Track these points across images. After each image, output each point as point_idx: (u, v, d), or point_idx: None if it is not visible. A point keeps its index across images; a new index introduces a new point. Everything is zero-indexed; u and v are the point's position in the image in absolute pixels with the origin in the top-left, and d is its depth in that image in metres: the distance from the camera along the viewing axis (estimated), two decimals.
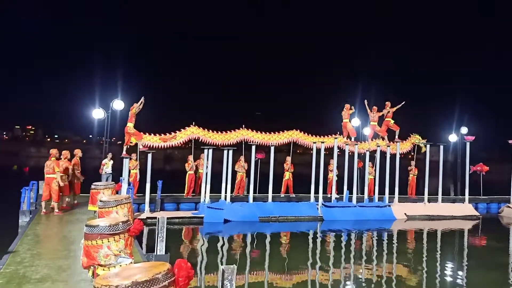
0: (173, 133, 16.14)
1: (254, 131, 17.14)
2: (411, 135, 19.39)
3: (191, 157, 16.72)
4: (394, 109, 18.44)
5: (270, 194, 15.98)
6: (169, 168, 38.67)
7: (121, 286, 2.30)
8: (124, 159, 14.41)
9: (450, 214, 17.45)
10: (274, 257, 10.57)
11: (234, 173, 16.51)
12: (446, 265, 10.49)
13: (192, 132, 16.29)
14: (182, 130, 16.32)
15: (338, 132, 18.10)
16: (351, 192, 16.94)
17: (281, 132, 17.62)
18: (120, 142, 25.12)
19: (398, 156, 18.01)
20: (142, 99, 14.73)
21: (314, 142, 17.30)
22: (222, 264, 9.26)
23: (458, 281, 9.06)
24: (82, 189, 13.54)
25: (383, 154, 18.06)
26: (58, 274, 6.17)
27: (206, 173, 15.38)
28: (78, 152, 13.56)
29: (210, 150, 15.54)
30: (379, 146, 17.97)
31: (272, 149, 16.37)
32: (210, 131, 16.53)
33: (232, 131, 16.86)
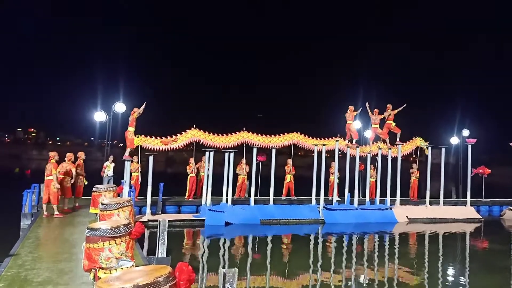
0: (174, 136, 16.16)
1: (255, 133, 17.15)
2: (414, 138, 19.36)
3: (192, 160, 16.73)
4: (396, 111, 18.44)
5: (271, 197, 15.97)
6: (170, 171, 38.69)
7: None
8: (126, 162, 14.42)
9: (452, 217, 17.40)
10: (275, 260, 10.55)
11: (235, 175, 16.51)
12: (448, 268, 10.46)
13: (193, 135, 16.29)
14: (183, 133, 16.34)
15: (339, 135, 18.10)
16: (352, 195, 16.91)
17: (281, 134, 17.62)
18: (121, 144, 25.19)
19: (399, 159, 17.98)
20: (143, 105, 14.76)
21: (316, 145, 17.29)
22: (223, 267, 9.26)
23: (460, 284, 9.03)
24: (83, 192, 13.56)
25: (384, 156, 18.04)
26: (59, 277, 6.17)
27: (208, 176, 15.38)
28: (81, 155, 13.60)
29: (211, 153, 15.55)
30: (380, 148, 17.95)
31: (273, 151, 16.36)
32: (211, 133, 16.54)
33: (233, 133, 16.86)
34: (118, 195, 10.82)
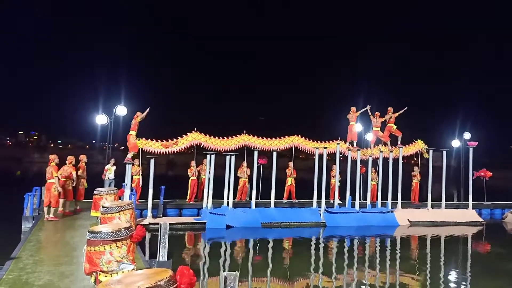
0: (174, 139, 16.17)
1: (256, 136, 17.15)
2: (415, 141, 19.34)
3: (193, 163, 16.73)
4: (397, 114, 18.45)
5: (272, 200, 15.95)
6: (171, 174, 38.71)
7: None
8: (127, 165, 14.43)
9: (453, 220, 17.36)
10: (276, 264, 10.53)
11: (236, 178, 16.49)
12: (449, 271, 10.43)
13: (194, 138, 16.31)
14: (184, 136, 16.35)
15: (340, 138, 18.11)
16: (354, 198, 16.89)
17: (282, 137, 17.62)
18: (123, 147, 25.19)
19: (400, 162, 17.96)
20: (147, 110, 14.82)
21: (317, 148, 17.28)
22: (224, 271, 9.25)
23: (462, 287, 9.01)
24: (85, 195, 13.58)
25: (385, 159, 18.03)
26: (60, 280, 6.17)
27: (209, 179, 15.38)
28: (83, 158, 13.63)
29: (213, 156, 15.55)
30: (381, 151, 17.93)
31: (275, 154, 16.36)
32: (212, 136, 16.55)
33: (234, 136, 16.87)
34: (119, 198, 10.81)
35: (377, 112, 18.36)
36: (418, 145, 19.21)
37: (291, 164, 17.90)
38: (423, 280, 9.53)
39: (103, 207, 5.94)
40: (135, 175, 15.72)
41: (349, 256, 11.71)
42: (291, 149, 17.88)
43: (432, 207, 17.80)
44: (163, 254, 8.02)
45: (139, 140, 15.46)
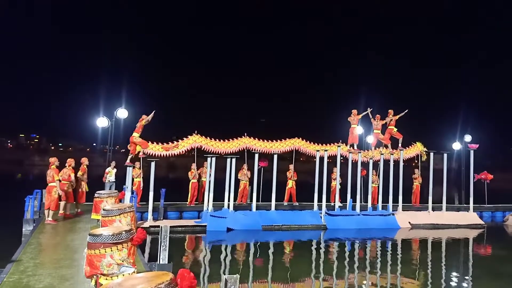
0: (175, 142, 16.19)
1: (257, 139, 17.16)
2: (414, 144, 19.35)
3: (194, 165, 16.74)
4: (397, 117, 18.49)
5: (273, 203, 15.94)
6: (172, 177, 38.70)
7: None
8: (128, 168, 14.44)
9: (454, 223, 17.33)
10: (277, 266, 10.52)
11: (237, 181, 16.49)
12: (451, 274, 10.40)
13: (194, 140, 16.31)
14: (185, 138, 16.36)
15: (341, 140, 18.12)
16: (354, 201, 16.88)
17: (283, 140, 17.63)
18: (123, 150, 25.19)
19: (401, 164, 17.95)
20: (152, 113, 14.90)
21: (317, 150, 17.28)
22: (225, 274, 9.24)
23: None
24: (85, 197, 13.60)
25: (386, 162, 18.02)
26: (61, 283, 6.17)
27: (209, 182, 15.37)
28: (85, 161, 13.67)
29: (213, 159, 15.55)
30: (382, 154, 17.93)
31: (275, 157, 16.36)
32: (213, 139, 16.56)
33: (234, 139, 16.88)
34: (120, 201, 10.81)
35: (377, 115, 18.40)
36: (417, 148, 19.21)
37: (291, 166, 17.90)
38: (424, 283, 9.52)
39: (103, 210, 5.94)
40: (136, 177, 15.72)
41: (350, 259, 11.68)
42: (292, 152, 17.88)
43: (433, 209, 17.77)
44: (163, 257, 8.01)
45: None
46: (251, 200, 16.07)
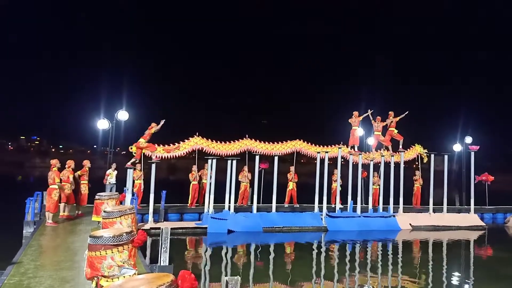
0: (176, 144, 16.20)
1: (258, 141, 17.17)
2: (413, 146, 19.36)
3: (195, 167, 16.74)
4: (398, 118, 18.50)
5: (274, 204, 15.93)
6: (173, 178, 38.71)
7: None
8: (128, 170, 14.44)
9: (455, 225, 17.31)
10: (278, 268, 10.51)
11: (237, 183, 16.49)
12: (452, 276, 10.39)
13: (195, 142, 16.34)
14: (186, 140, 16.38)
15: (342, 142, 18.12)
16: (355, 202, 16.86)
17: (284, 142, 17.64)
18: (124, 152, 25.20)
19: (402, 166, 17.93)
20: (162, 122, 15.18)
21: (318, 152, 17.28)
22: (226, 275, 9.22)
23: None
24: (87, 200, 13.63)
25: (387, 164, 18.01)
26: (61, 285, 6.16)
27: (210, 183, 15.37)
28: (87, 163, 13.71)
29: (214, 160, 15.55)
30: (383, 156, 17.92)
31: (276, 159, 16.35)
32: (214, 141, 16.58)
33: (236, 141, 16.89)
34: (121, 203, 10.79)
35: (378, 117, 18.42)
36: (416, 150, 19.22)
37: (292, 168, 17.90)
38: (425, 285, 9.50)
39: (104, 211, 5.93)
40: (137, 179, 15.73)
41: (350, 260, 11.67)
42: (293, 154, 17.89)
43: (434, 211, 17.74)
44: (164, 258, 8.01)
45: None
46: (252, 202, 16.06)
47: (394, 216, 16.83)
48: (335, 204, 17.07)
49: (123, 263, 3.86)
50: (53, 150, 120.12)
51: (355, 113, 18.11)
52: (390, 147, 18.50)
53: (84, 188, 13.55)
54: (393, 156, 18.00)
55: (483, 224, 17.96)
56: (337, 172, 17.68)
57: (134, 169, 15.13)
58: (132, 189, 14.72)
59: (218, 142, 16.64)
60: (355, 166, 17.56)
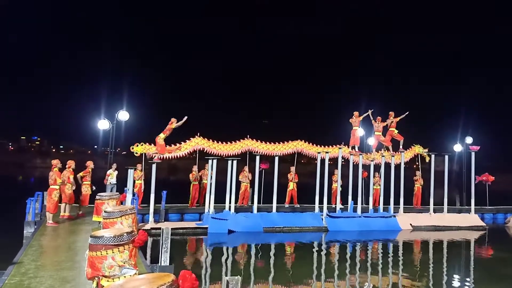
0: (178, 144, 16.22)
1: (259, 141, 17.18)
2: (413, 146, 19.37)
3: (195, 168, 16.75)
4: (398, 119, 18.52)
5: (274, 205, 15.93)
6: (173, 179, 38.73)
7: None
8: (129, 170, 14.46)
9: (456, 225, 17.31)
10: (278, 268, 10.51)
11: (238, 183, 16.51)
12: (452, 276, 10.39)
13: (196, 143, 16.37)
14: (187, 141, 16.41)
15: (343, 142, 18.13)
16: (356, 203, 16.86)
17: (285, 142, 17.65)
18: (124, 152, 25.21)
19: (402, 166, 17.93)
20: (184, 119, 15.72)
21: (319, 152, 17.29)
22: (226, 275, 9.23)
23: None
24: (88, 200, 13.67)
25: (387, 164, 18.01)
26: (62, 285, 6.17)
27: (210, 184, 15.38)
28: (90, 164, 13.79)
29: (215, 161, 15.56)
30: (383, 156, 17.93)
31: (277, 159, 16.36)
32: (215, 141, 16.60)
33: (237, 141, 16.91)
34: (121, 203, 10.81)
35: (378, 117, 18.43)
36: (415, 150, 19.22)
37: (293, 168, 17.90)
38: (426, 286, 9.50)
39: (105, 211, 5.94)
40: (137, 180, 15.74)
41: (351, 261, 11.67)
42: (293, 154, 17.90)
43: (435, 211, 17.74)
44: (165, 258, 8.02)
45: (142, 145, 15.61)
46: (252, 202, 16.07)
47: (394, 216, 16.83)
48: (335, 204, 17.07)
49: (124, 263, 3.87)
50: (54, 150, 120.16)
51: (356, 113, 18.15)
52: (390, 147, 18.50)
53: (86, 189, 13.60)
54: (393, 156, 17.99)
55: (484, 224, 17.96)
56: (338, 173, 17.68)
57: (135, 169, 15.15)
58: (133, 189, 14.73)
59: (219, 142, 16.66)
60: (356, 166, 17.57)
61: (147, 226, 13.72)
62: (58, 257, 8.00)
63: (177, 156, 16.39)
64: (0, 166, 67.24)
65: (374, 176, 18.00)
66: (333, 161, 18.32)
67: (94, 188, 13.67)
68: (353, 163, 17.45)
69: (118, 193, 11.05)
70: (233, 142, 16.86)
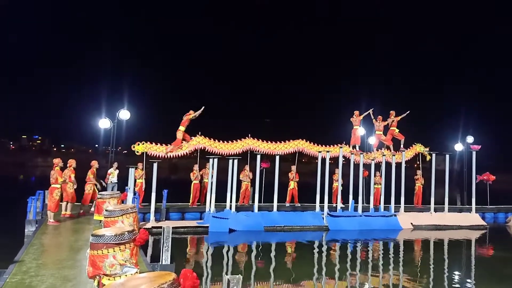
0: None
1: (260, 140, 17.19)
2: (414, 145, 19.36)
3: (196, 167, 16.76)
4: (399, 118, 18.51)
5: (275, 204, 15.94)
6: (174, 178, 38.74)
7: None
8: (130, 169, 14.47)
9: (456, 224, 17.30)
10: (279, 267, 10.52)
11: (239, 182, 16.51)
12: (453, 276, 10.39)
13: (198, 142, 16.38)
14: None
15: (344, 142, 18.13)
16: (356, 202, 16.86)
17: (287, 141, 17.66)
18: (125, 151, 25.22)
19: (403, 165, 17.93)
20: (202, 109, 16.02)
21: (320, 152, 17.29)
22: (227, 274, 9.24)
23: None
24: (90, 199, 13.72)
25: (388, 163, 18.00)
26: (63, 284, 6.18)
27: (211, 183, 15.40)
28: (95, 164, 13.89)
29: (215, 160, 15.57)
30: (384, 155, 17.92)
31: (277, 158, 16.36)
32: (216, 140, 16.61)
33: (238, 140, 16.92)
34: (122, 202, 10.86)
35: (379, 116, 18.42)
36: (416, 149, 19.21)
37: (293, 168, 17.91)
38: (426, 285, 9.50)
39: (106, 210, 5.97)
40: (138, 179, 15.76)
41: (352, 260, 11.68)
42: (294, 153, 17.90)
43: (435, 210, 17.73)
44: (166, 257, 8.02)
45: (143, 143, 15.64)
46: (253, 201, 16.08)
47: (395, 215, 16.83)
48: (336, 203, 17.08)
49: (125, 261, 3.88)
50: (55, 149, 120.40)
51: (356, 112, 18.16)
52: (391, 147, 18.50)
53: (89, 188, 13.69)
54: (394, 155, 17.98)
55: (485, 223, 17.94)
56: (339, 172, 17.69)
57: (136, 168, 15.17)
58: (134, 188, 14.75)
59: (221, 141, 16.67)
60: (357, 165, 17.57)
61: (148, 225, 13.73)
62: (59, 255, 8.02)
63: (178, 155, 16.41)
64: (1, 165, 67.34)
65: (375, 175, 18.01)
66: (334, 160, 18.32)
67: (104, 184, 13.84)
68: (354, 162, 17.45)
69: (119, 192, 11.10)
70: (234, 141, 16.88)
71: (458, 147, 21.80)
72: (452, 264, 11.76)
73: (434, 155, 18.45)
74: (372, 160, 17.91)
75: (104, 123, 17.43)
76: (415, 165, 20.20)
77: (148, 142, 15.96)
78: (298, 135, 18.01)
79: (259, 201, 16.12)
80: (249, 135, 17.11)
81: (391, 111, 18.73)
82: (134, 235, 4.07)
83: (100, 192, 10.20)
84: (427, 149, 19.15)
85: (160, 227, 9.64)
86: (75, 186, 12.71)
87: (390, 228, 16.23)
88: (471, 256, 13.24)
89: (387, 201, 17.28)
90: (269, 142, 17.32)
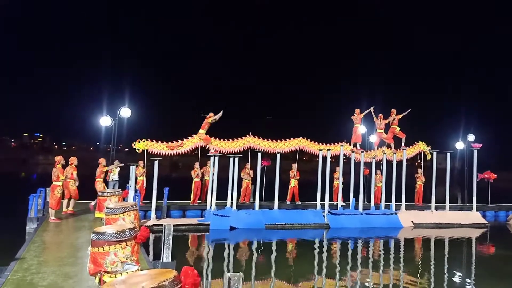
0: (180, 141, 16.24)
1: (261, 138, 17.19)
2: (416, 143, 19.34)
3: (197, 164, 16.78)
4: (400, 116, 18.48)
5: (276, 202, 15.95)
6: (175, 175, 38.79)
7: None
8: (131, 166, 14.50)
9: (457, 222, 17.29)
10: (280, 265, 10.53)
11: (240, 180, 16.52)
12: (453, 274, 10.40)
13: (199, 140, 16.38)
14: (189, 138, 16.42)
15: (345, 140, 18.12)
16: (357, 200, 16.87)
17: (288, 139, 17.66)
18: (127, 149, 25.24)
19: (404, 164, 17.92)
20: (221, 112, 16.29)
21: (320, 150, 17.29)
22: (228, 272, 9.26)
23: None
24: (91, 197, 13.76)
25: (389, 161, 17.99)
26: (64, 281, 6.20)
27: (212, 180, 15.41)
28: (102, 161, 14.02)
29: (216, 158, 15.58)
30: (385, 153, 17.91)
31: (278, 156, 16.37)
32: (217, 138, 16.62)
33: (239, 138, 16.92)
34: (124, 200, 10.85)
35: (380, 114, 18.40)
36: (419, 147, 19.19)
37: (294, 166, 17.91)
38: (427, 283, 9.51)
39: (107, 208, 5.96)
40: (139, 176, 15.78)
41: (352, 258, 11.70)
42: (295, 151, 17.90)
43: (436, 209, 17.72)
44: (167, 255, 8.04)
45: (144, 141, 15.66)
46: (254, 199, 16.09)
47: (396, 213, 16.83)
48: (337, 201, 17.09)
49: (126, 259, 3.88)
50: (56, 147, 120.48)
51: (357, 110, 18.14)
52: (392, 145, 18.48)
53: (100, 185, 13.81)
54: (395, 153, 17.97)
55: (485, 222, 17.93)
56: (339, 170, 17.69)
57: (137, 166, 15.19)
58: (135, 186, 14.77)
59: (222, 139, 16.68)
60: (357, 163, 17.56)
61: (149, 223, 13.76)
62: (60, 253, 8.04)
63: (179, 153, 16.42)
64: (3, 162, 67.44)
65: (375, 174, 18.00)
66: (335, 158, 18.32)
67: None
68: (355, 160, 17.44)
69: (120, 189, 11.12)
70: (235, 139, 16.88)
71: (459, 145, 21.77)
72: (453, 263, 11.77)
73: (435, 153, 18.43)
74: (373, 158, 17.90)
75: (105, 121, 17.43)
76: (416, 163, 20.19)
77: (149, 140, 15.97)
78: (298, 134, 18.02)
79: (260, 199, 16.13)
80: (250, 133, 17.12)
81: (392, 109, 18.72)
82: (135, 233, 4.07)
83: (101, 190, 10.24)
84: (429, 148, 19.14)
85: (161, 225, 9.66)
86: (77, 183, 12.75)
87: (390, 226, 16.23)
88: (471, 254, 13.24)
89: (388, 199, 17.28)
90: (270, 140, 17.33)
